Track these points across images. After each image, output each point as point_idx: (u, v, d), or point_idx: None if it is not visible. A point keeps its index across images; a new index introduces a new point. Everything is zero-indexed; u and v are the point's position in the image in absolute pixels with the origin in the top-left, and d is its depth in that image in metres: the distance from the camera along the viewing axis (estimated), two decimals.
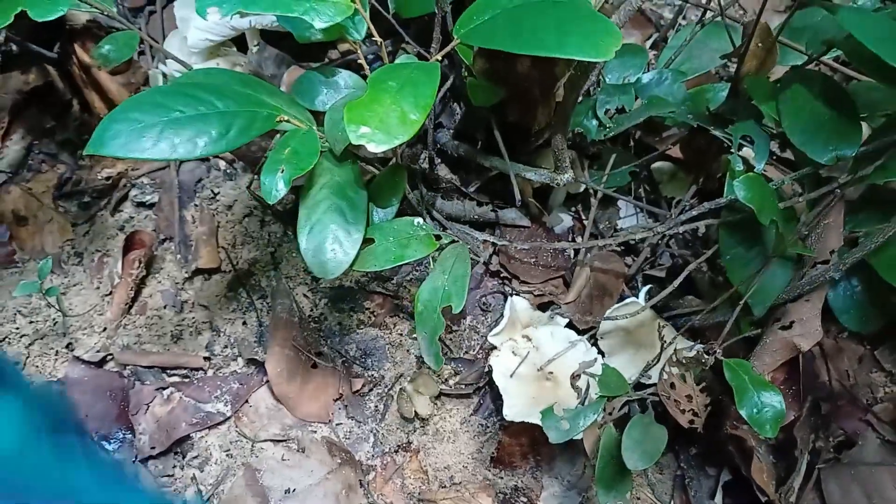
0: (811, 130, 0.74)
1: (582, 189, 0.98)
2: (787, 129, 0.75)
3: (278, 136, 0.79)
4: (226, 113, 0.62)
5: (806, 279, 0.80)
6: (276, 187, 0.63)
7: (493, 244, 0.97)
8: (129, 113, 0.59)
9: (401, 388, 0.94)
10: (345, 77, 0.76)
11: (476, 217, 0.99)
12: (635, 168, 0.95)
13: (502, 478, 0.92)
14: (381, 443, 0.93)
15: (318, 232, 0.69)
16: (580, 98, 0.79)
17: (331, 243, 0.70)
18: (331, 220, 0.70)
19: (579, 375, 0.85)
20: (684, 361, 0.85)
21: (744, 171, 0.74)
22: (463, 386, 0.95)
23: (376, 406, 0.95)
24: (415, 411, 0.92)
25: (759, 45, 0.79)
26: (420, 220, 0.75)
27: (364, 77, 0.71)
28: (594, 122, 0.88)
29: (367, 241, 0.72)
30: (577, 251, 0.98)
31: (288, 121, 0.67)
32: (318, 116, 0.72)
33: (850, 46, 0.70)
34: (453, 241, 0.77)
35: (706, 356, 0.83)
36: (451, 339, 0.98)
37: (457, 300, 0.71)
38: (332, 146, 0.69)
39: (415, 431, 0.94)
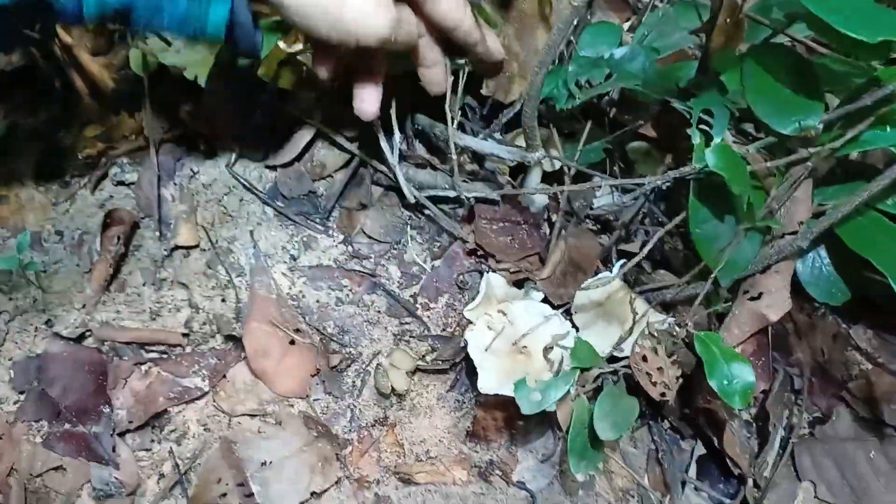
0: (775, 102, 0.75)
1: (558, 167, 0.99)
2: (751, 101, 0.76)
3: None
4: None
5: (773, 249, 0.80)
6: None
7: (471, 204, 0.98)
8: None
9: (378, 364, 0.95)
10: None
11: (446, 187, 0.99)
12: (608, 145, 0.95)
13: (477, 451, 0.93)
14: (358, 418, 0.94)
15: None
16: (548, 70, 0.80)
17: None
18: None
19: (552, 347, 0.86)
20: (656, 334, 0.86)
21: (703, 144, 0.75)
22: (440, 362, 0.96)
23: (353, 382, 0.96)
24: (391, 387, 0.92)
25: (727, 20, 0.79)
26: None
27: None
28: (564, 91, 0.88)
29: None
30: (552, 229, 0.99)
31: None
32: None
33: (812, 19, 0.71)
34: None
35: (677, 329, 0.84)
36: (428, 317, 0.99)
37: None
38: None
39: (391, 407, 0.95)
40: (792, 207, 0.83)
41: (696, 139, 0.79)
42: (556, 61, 0.94)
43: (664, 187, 0.93)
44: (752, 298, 0.83)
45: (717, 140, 0.79)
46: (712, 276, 0.80)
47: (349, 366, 0.96)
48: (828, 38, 0.73)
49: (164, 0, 0.70)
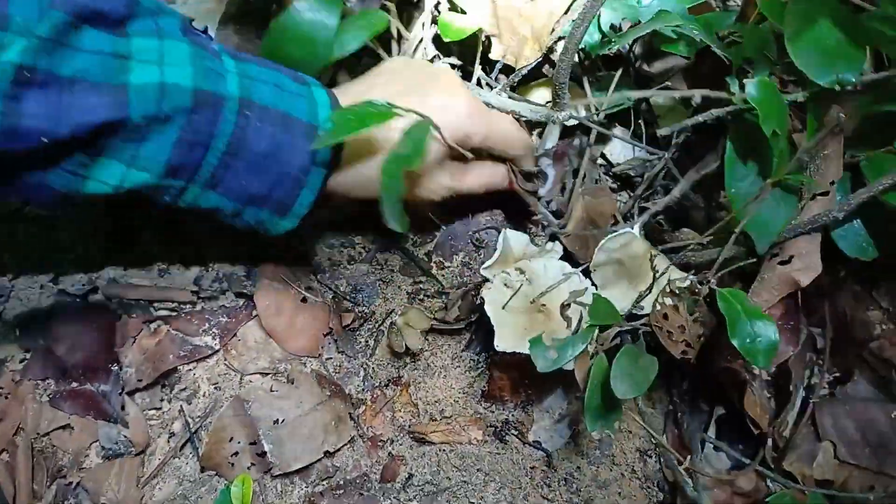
0: (816, 52, 0.72)
1: (576, 122, 0.96)
2: (792, 50, 0.73)
3: None
4: None
5: (807, 217, 0.78)
6: None
7: None
8: None
9: (391, 323, 0.93)
10: None
11: None
12: (629, 99, 0.92)
13: (493, 411, 0.91)
14: (371, 377, 0.92)
15: None
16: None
17: None
18: None
19: (569, 305, 0.84)
20: (677, 292, 0.84)
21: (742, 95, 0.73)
22: (454, 321, 0.94)
23: (366, 341, 0.94)
24: (405, 346, 0.90)
25: None
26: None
27: None
28: (597, 36, 0.85)
29: None
30: (570, 184, 0.96)
31: None
32: None
33: None
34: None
35: (699, 286, 0.82)
36: (443, 276, 0.97)
37: (415, 162, 0.68)
38: None
39: (405, 366, 0.93)
40: (822, 165, 0.80)
41: (735, 87, 0.76)
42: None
43: (688, 142, 0.91)
44: (783, 262, 0.81)
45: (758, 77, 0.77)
46: (738, 230, 0.78)
47: (362, 325, 0.94)
48: None
49: (245, 209, 0.74)
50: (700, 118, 0.77)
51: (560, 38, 0.89)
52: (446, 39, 0.84)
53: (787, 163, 0.75)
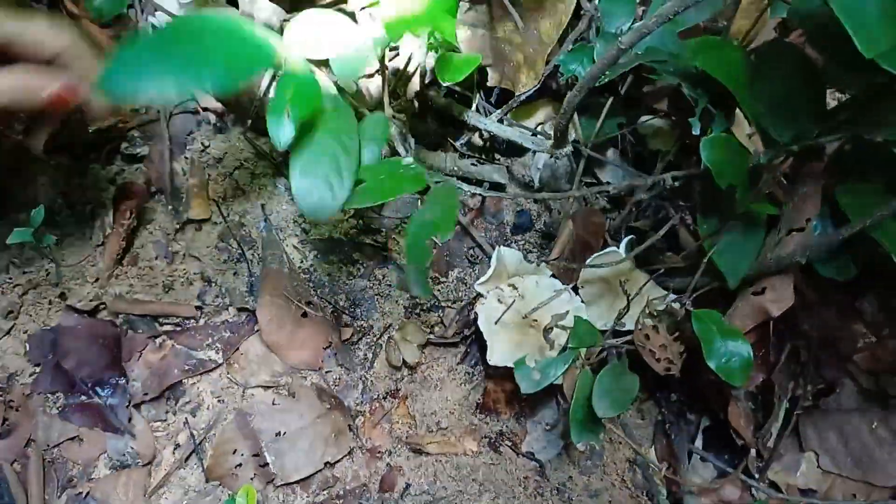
0: (775, 108, 0.74)
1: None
2: (751, 105, 0.75)
3: (268, 82, 0.79)
4: (227, 52, 0.62)
5: (784, 252, 0.80)
6: (284, 130, 0.64)
7: (482, 196, 0.99)
8: (131, 54, 0.59)
9: (389, 337, 0.96)
10: (333, 18, 0.76)
11: (455, 169, 1.00)
12: (623, 120, 0.96)
13: (487, 423, 0.94)
14: (370, 389, 0.95)
15: (312, 175, 0.70)
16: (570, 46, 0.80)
17: (323, 187, 0.70)
18: (325, 164, 0.70)
19: (551, 328, 0.87)
20: (655, 314, 0.87)
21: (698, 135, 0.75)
22: (450, 335, 0.97)
23: (365, 354, 0.97)
24: (403, 359, 0.94)
25: (751, 3, 0.79)
26: (410, 159, 0.77)
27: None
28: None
29: (358, 183, 0.73)
30: (559, 208, 0.99)
31: (285, 62, 0.67)
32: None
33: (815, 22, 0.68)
34: (439, 181, 0.78)
35: (676, 307, 0.85)
36: (439, 291, 1.00)
37: (444, 230, 0.71)
38: (343, 84, 0.69)
39: (402, 379, 0.96)
40: (800, 202, 0.82)
41: (697, 130, 0.79)
42: (578, 40, 0.94)
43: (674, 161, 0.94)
44: (756, 293, 0.84)
45: (715, 132, 0.79)
46: (706, 258, 0.80)
47: (361, 338, 0.97)
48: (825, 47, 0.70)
49: None
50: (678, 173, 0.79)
51: (556, 67, 0.92)
52: (445, 83, 0.85)
53: (742, 196, 0.77)
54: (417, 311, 0.99)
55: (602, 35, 0.89)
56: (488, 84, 0.95)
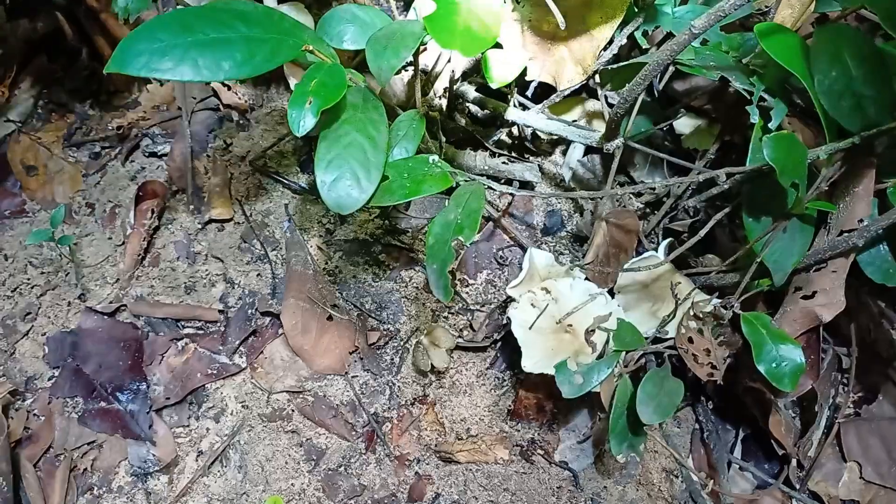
0: (844, 95, 0.71)
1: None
2: (816, 90, 0.72)
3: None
4: (252, 38, 0.60)
5: (827, 244, 0.77)
6: (304, 119, 0.61)
7: (511, 195, 0.96)
8: (154, 32, 0.57)
9: (417, 342, 0.94)
10: (371, 14, 0.74)
11: (486, 168, 0.97)
12: (656, 119, 0.92)
13: (518, 430, 0.92)
14: (397, 395, 0.92)
15: (337, 167, 0.67)
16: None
17: (349, 179, 0.68)
18: (351, 156, 0.68)
19: (593, 330, 0.84)
20: (702, 316, 0.84)
21: (762, 126, 0.72)
22: (479, 339, 0.94)
23: (392, 359, 0.94)
24: (431, 364, 0.91)
25: None
26: (435, 157, 0.74)
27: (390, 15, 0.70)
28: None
29: (382, 179, 0.71)
30: (591, 209, 0.96)
31: (313, 51, 0.65)
32: (340, 54, 0.71)
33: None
34: (467, 180, 0.76)
35: (723, 310, 0.82)
36: (467, 294, 0.97)
37: (468, 232, 0.69)
38: (377, 77, 0.67)
39: (430, 384, 0.93)
40: (851, 202, 0.79)
41: (755, 118, 0.76)
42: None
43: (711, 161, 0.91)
44: (806, 297, 0.81)
45: (773, 124, 0.76)
46: (757, 260, 0.77)
47: (387, 342, 0.95)
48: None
49: None
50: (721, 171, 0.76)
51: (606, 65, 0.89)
52: (494, 86, 0.82)
53: (804, 194, 0.74)
54: (445, 314, 0.96)
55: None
56: (527, 78, 0.91)
